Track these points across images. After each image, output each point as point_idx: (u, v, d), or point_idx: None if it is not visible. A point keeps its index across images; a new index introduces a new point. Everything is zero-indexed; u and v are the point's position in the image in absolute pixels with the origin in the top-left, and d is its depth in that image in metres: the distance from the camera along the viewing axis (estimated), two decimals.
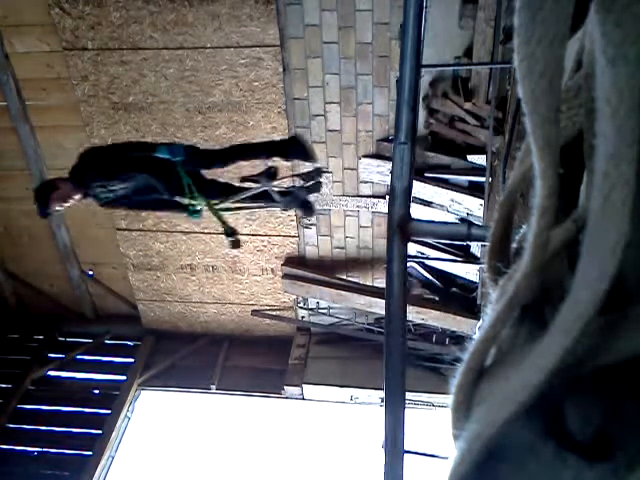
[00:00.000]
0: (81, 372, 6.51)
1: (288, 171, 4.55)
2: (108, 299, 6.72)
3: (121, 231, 5.99)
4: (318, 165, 4.26)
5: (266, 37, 4.77)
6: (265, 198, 4.07)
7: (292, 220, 5.68)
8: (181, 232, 5.91)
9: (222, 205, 4.07)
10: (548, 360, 0.32)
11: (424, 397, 5.58)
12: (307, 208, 4.16)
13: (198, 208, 3.93)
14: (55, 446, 5.89)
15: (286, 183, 4.28)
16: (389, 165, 4.89)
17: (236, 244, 4.18)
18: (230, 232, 4.15)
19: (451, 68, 4.75)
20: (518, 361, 0.36)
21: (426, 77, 4.73)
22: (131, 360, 6.45)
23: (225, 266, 6.10)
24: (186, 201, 3.89)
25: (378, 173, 5.27)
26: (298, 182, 4.23)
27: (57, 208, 3.60)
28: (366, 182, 5.42)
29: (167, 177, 3.72)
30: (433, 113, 4.94)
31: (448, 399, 0.40)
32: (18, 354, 6.58)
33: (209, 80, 5.02)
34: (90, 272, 6.55)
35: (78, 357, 6.56)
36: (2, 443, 5.95)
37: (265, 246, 5.90)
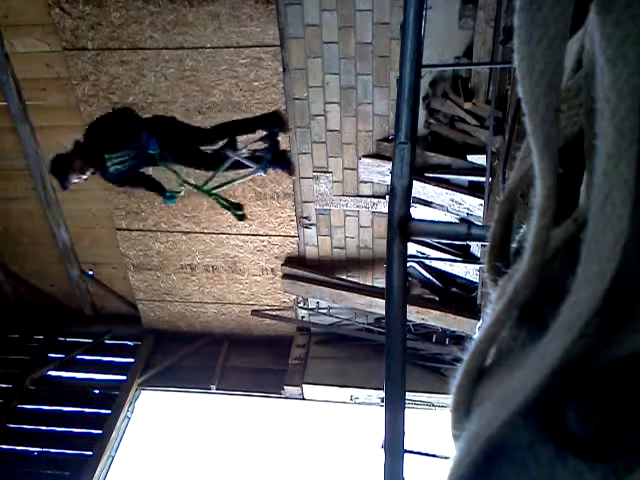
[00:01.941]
0: (81, 372, 6.51)
1: (247, 138, 4.67)
2: (108, 299, 6.72)
3: (121, 231, 5.99)
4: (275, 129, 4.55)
5: (266, 37, 4.77)
6: (240, 167, 4.37)
7: (292, 220, 5.68)
8: (181, 232, 5.91)
9: (210, 185, 4.31)
10: (548, 360, 0.32)
11: (424, 397, 5.58)
12: (283, 163, 4.43)
13: (179, 194, 4.14)
14: (55, 446, 5.89)
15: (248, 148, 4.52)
16: (389, 165, 4.89)
17: (243, 217, 4.59)
18: (235, 207, 4.43)
19: (451, 68, 4.75)
20: (518, 361, 0.36)
21: (426, 77, 4.74)
22: (131, 360, 6.45)
23: (225, 266, 6.10)
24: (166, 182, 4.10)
25: (378, 173, 5.27)
26: (259, 145, 4.52)
27: (75, 180, 3.75)
28: (366, 182, 5.42)
29: (146, 156, 3.91)
30: (433, 113, 4.94)
31: (448, 399, 0.40)
32: (18, 354, 6.58)
33: (209, 80, 5.03)
34: (90, 272, 6.55)
35: (78, 357, 6.56)
36: (2, 443, 5.95)
37: (265, 246, 5.90)
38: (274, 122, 4.43)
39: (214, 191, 4.41)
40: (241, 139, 4.44)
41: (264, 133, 4.43)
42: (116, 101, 5.22)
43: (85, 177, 3.80)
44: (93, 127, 3.88)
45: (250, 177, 4.62)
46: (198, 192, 4.39)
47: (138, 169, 3.99)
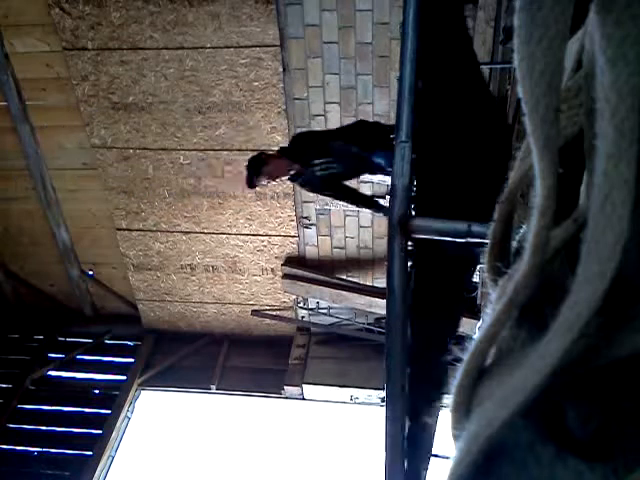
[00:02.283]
0: (81, 372, 6.51)
1: None
2: (108, 299, 6.72)
3: (121, 231, 5.99)
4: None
5: (266, 37, 4.77)
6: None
7: (292, 220, 5.69)
8: (181, 232, 5.91)
9: None
10: (548, 360, 0.32)
11: None
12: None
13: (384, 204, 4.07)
14: (55, 446, 5.89)
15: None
16: None
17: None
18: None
19: None
20: (518, 361, 0.36)
21: None
22: (131, 360, 6.45)
23: (225, 266, 6.10)
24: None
25: None
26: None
27: (264, 182, 3.76)
28: (366, 182, 5.42)
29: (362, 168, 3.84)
30: None
31: (448, 399, 0.40)
32: (18, 354, 6.58)
33: (209, 80, 5.03)
34: (90, 272, 6.55)
35: (78, 357, 6.56)
36: (2, 443, 5.94)
37: (265, 246, 5.90)
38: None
39: None
40: None
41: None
42: (116, 101, 5.22)
43: (275, 182, 3.82)
44: (303, 135, 3.93)
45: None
46: None
47: (344, 178, 3.92)
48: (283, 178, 3.83)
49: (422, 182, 1.52)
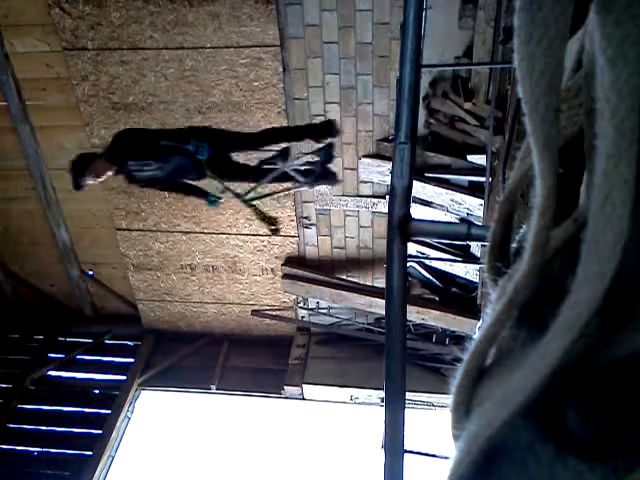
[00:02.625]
0: (81, 372, 6.51)
1: (299, 149, 4.60)
2: (108, 299, 6.72)
3: (121, 231, 5.99)
4: (330, 141, 4.36)
5: (266, 37, 4.77)
6: (286, 179, 4.23)
7: (292, 220, 5.68)
8: (181, 232, 5.91)
9: (252, 195, 4.22)
10: (548, 360, 0.32)
11: (424, 397, 5.58)
12: (329, 178, 4.31)
13: (221, 200, 4.08)
14: (55, 446, 5.89)
15: (299, 161, 4.40)
16: (389, 165, 4.89)
17: (276, 231, 4.51)
18: (269, 221, 4.34)
19: (451, 68, 4.75)
20: (518, 361, 0.36)
21: (426, 77, 4.74)
22: (131, 360, 6.45)
23: (225, 266, 6.10)
24: (209, 188, 4.06)
25: (378, 173, 5.27)
26: (311, 158, 4.36)
27: (90, 182, 3.74)
28: (366, 182, 5.42)
29: (195, 165, 3.88)
30: (433, 113, 4.94)
31: (448, 399, 0.40)
32: (18, 354, 6.58)
33: (209, 80, 5.03)
34: (90, 272, 6.55)
35: (78, 357, 6.56)
36: (2, 443, 5.95)
37: (265, 246, 5.90)
38: (325, 132, 4.23)
39: (254, 202, 4.29)
40: (293, 151, 4.36)
41: (319, 145, 4.29)
42: (116, 101, 5.22)
43: (100, 180, 3.80)
44: (124, 134, 3.90)
45: (294, 191, 4.50)
46: (239, 200, 4.27)
47: (177, 179, 3.97)
48: (106, 177, 3.80)
49: None
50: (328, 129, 4.24)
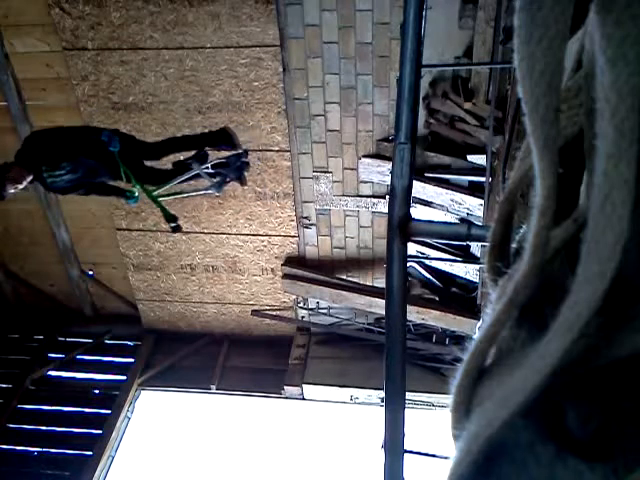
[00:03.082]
0: (81, 372, 6.51)
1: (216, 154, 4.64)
2: (108, 299, 6.72)
3: (121, 231, 6.00)
4: (243, 149, 4.46)
5: (266, 37, 4.77)
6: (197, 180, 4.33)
7: (292, 220, 5.68)
8: (181, 232, 5.91)
9: (159, 191, 4.26)
10: (548, 360, 0.32)
11: (424, 397, 5.58)
12: (238, 174, 4.39)
13: (136, 194, 4.12)
14: (55, 446, 5.90)
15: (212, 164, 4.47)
16: (389, 165, 4.89)
17: (177, 229, 4.45)
18: (170, 218, 4.37)
19: (451, 68, 4.75)
20: (518, 361, 0.36)
21: (426, 77, 4.74)
22: (131, 360, 6.45)
23: (225, 266, 6.10)
24: (124, 185, 4.11)
25: (378, 173, 5.27)
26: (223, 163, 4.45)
27: (11, 190, 3.71)
28: (366, 182, 5.42)
29: (108, 163, 3.91)
30: (433, 113, 4.94)
31: (448, 399, 0.40)
32: (18, 354, 6.58)
33: (209, 80, 5.03)
34: (90, 272, 6.55)
35: (78, 357, 6.56)
36: (2, 443, 5.95)
37: (265, 246, 5.90)
38: (223, 140, 4.33)
39: (161, 199, 4.34)
40: (211, 153, 4.41)
41: (233, 152, 4.37)
42: (116, 101, 5.22)
43: (21, 187, 3.76)
44: (33, 137, 3.90)
45: (203, 193, 4.54)
46: (145, 195, 4.29)
47: (92, 179, 3.99)
48: (26, 183, 3.78)
49: None
50: (224, 137, 4.31)
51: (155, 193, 4.25)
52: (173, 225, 4.37)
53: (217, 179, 4.30)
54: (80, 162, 3.84)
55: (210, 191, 4.42)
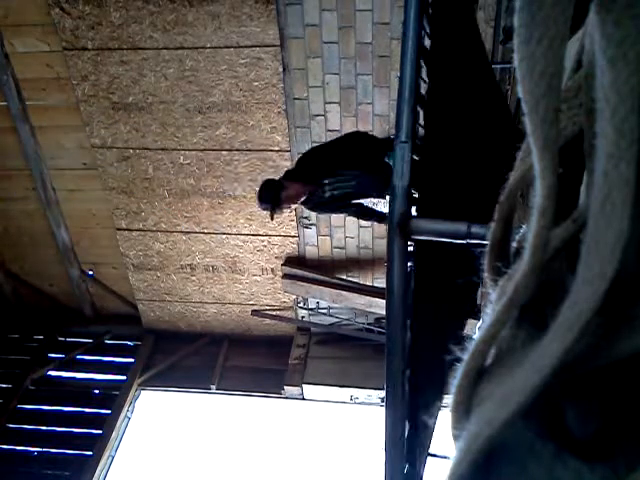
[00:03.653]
0: (81, 372, 6.51)
1: None
2: (108, 299, 6.72)
3: (121, 231, 6.00)
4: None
5: (266, 37, 4.77)
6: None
7: (292, 220, 5.68)
8: (181, 232, 5.91)
9: None
10: (548, 360, 0.32)
11: None
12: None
13: None
14: (55, 446, 5.89)
15: None
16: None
17: None
18: None
19: None
20: (518, 361, 0.36)
21: None
22: (131, 360, 6.45)
23: (225, 266, 6.10)
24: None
25: None
26: None
27: (285, 209, 3.60)
28: None
29: (380, 181, 3.59)
30: None
31: (448, 399, 0.40)
32: (18, 354, 6.58)
33: (209, 80, 5.03)
34: (90, 272, 6.55)
35: (78, 357, 6.56)
36: (2, 443, 5.95)
37: (265, 246, 5.90)
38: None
39: None
40: None
41: None
42: (116, 101, 5.22)
43: (295, 206, 3.64)
44: (311, 153, 3.73)
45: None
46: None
47: (362, 192, 3.74)
48: (299, 202, 3.64)
49: (425, 183, 1.51)
50: None
51: None
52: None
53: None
54: (355, 177, 3.61)
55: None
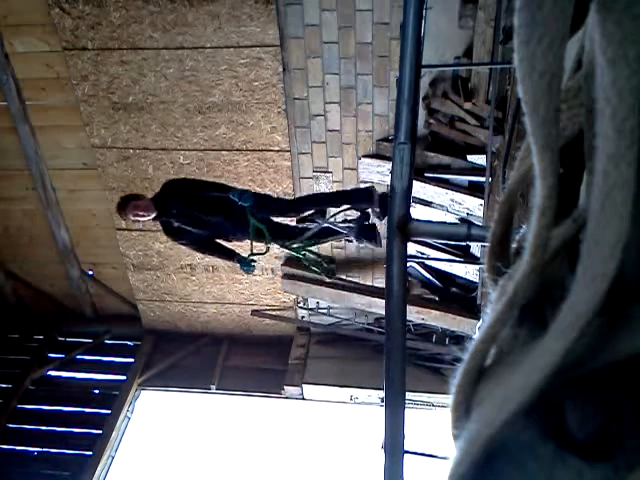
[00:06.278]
0: (81, 372, 6.51)
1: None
2: (108, 299, 6.72)
3: (121, 231, 5.99)
4: (377, 211, 4.37)
5: (266, 37, 4.77)
6: (330, 233, 4.35)
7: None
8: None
9: (296, 245, 4.32)
10: (548, 360, 0.32)
11: (424, 397, 5.58)
12: (371, 235, 4.35)
13: (253, 263, 4.18)
14: (55, 446, 5.90)
15: (341, 217, 4.49)
16: (389, 165, 4.89)
17: (332, 273, 4.49)
18: (328, 262, 4.48)
19: (451, 68, 4.75)
20: (518, 361, 0.36)
21: (426, 77, 4.73)
22: (131, 360, 6.45)
23: (225, 266, 6.09)
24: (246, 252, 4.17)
25: (378, 173, 5.27)
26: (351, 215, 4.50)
27: (131, 217, 3.88)
28: (366, 182, 5.41)
29: (237, 219, 3.99)
30: (433, 113, 4.94)
31: (448, 399, 0.40)
32: (18, 354, 6.58)
33: (209, 80, 5.02)
34: (90, 272, 6.55)
35: (78, 357, 6.56)
36: (2, 443, 5.95)
37: None
38: (363, 199, 4.33)
39: (302, 251, 4.44)
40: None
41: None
42: (116, 101, 5.22)
43: (140, 219, 3.90)
44: (172, 184, 4.05)
45: (339, 238, 4.53)
46: (289, 252, 4.37)
47: (217, 233, 4.08)
48: (149, 216, 3.92)
49: None
50: (367, 197, 4.33)
51: (295, 246, 4.30)
52: (329, 268, 4.44)
53: (352, 227, 4.28)
54: (211, 211, 3.95)
55: (347, 238, 4.43)
